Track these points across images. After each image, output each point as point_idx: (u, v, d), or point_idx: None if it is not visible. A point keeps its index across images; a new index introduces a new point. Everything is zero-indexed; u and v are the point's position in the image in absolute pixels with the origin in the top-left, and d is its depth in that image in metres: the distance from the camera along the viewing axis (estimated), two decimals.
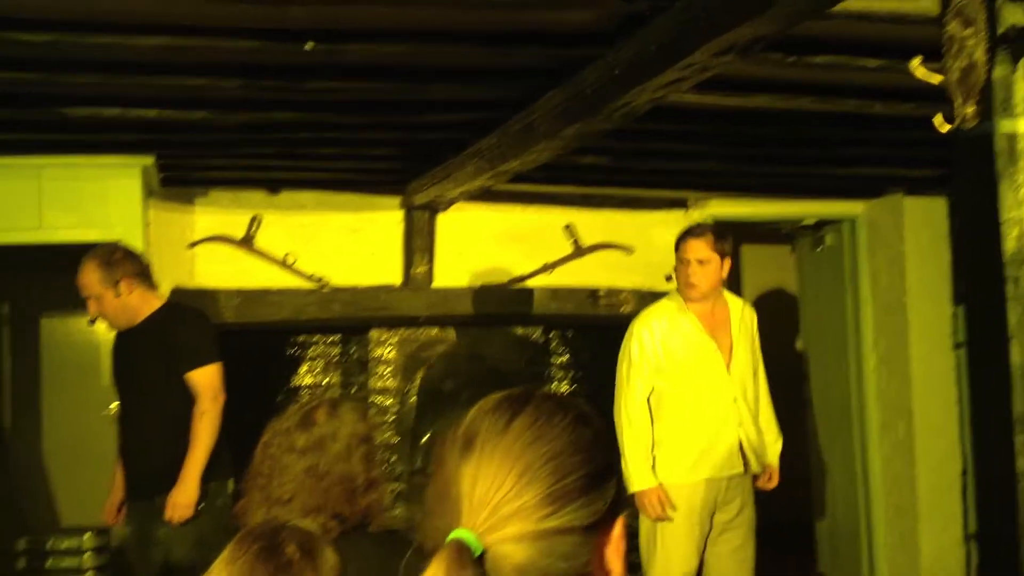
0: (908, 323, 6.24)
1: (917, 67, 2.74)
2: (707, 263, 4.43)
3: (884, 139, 4.82)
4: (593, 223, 6.40)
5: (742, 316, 4.64)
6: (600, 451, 1.27)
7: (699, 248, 4.42)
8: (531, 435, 1.23)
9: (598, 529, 1.22)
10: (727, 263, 4.51)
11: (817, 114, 4.14)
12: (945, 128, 2.77)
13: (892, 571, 6.50)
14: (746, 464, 4.52)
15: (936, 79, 2.67)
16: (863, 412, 6.63)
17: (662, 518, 4.37)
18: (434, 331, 6.27)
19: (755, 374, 4.68)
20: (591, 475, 1.23)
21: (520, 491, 1.19)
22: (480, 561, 1.17)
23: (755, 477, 4.68)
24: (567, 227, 6.37)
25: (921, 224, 6.26)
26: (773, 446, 4.70)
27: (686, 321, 4.53)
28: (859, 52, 3.19)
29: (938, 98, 3.44)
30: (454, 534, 1.18)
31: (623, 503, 1.28)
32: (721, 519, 4.51)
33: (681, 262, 4.46)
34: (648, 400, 4.53)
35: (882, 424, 6.54)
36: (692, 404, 4.51)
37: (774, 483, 4.69)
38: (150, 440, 4.37)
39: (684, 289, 4.48)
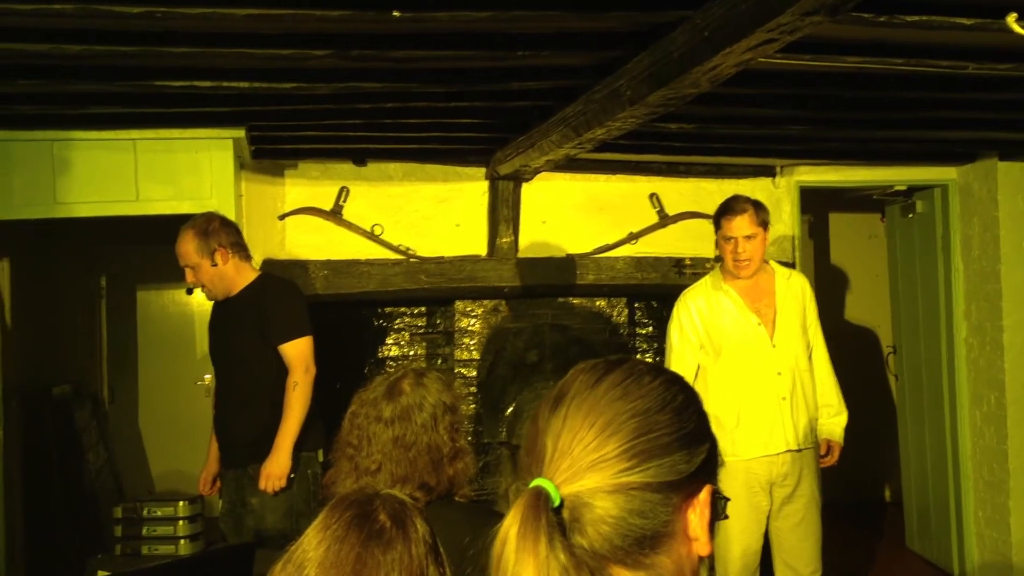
0: (1001, 291, 6.12)
1: (1013, 23, 2.68)
2: (754, 237, 4.44)
3: (977, 101, 4.70)
4: (678, 192, 6.39)
5: (788, 286, 4.59)
6: (692, 416, 1.28)
7: (744, 225, 4.43)
8: (618, 392, 1.25)
9: (681, 490, 1.23)
10: (768, 233, 4.55)
11: (908, 76, 4.05)
12: None
13: (982, 547, 6.40)
14: (798, 439, 4.49)
15: None
16: (953, 383, 6.51)
17: None
18: (518, 302, 6.31)
19: (810, 346, 4.63)
20: (678, 436, 1.24)
21: (600, 443, 1.21)
22: (559, 511, 1.19)
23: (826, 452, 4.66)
24: (652, 196, 6.36)
25: (1015, 189, 6.12)
26: (832, 421, 4.63)
27: (726, 297, 4.54)
28: (952, 10, 3.12)
29: None
30: (534, 482, 1.20)
31: (713, 476, 1.28)
32: (780, 494, 4.50)
33: (726, 241, 4.47)
34: (695, 379, 4.58)
35: (973, 396, 6.43)
36: (736, 380, 4.51)
37: (833, 459, 4.62)
38: (243, 410, 4.47)
39: (735, 267, 4.48)
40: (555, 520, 1.17)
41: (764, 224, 4.50)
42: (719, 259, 4.59)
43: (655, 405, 1.25)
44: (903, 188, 6.74)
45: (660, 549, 1.22)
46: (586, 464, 1.20)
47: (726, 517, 1.29)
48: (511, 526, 1.17)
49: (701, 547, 1.25)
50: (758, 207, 4.50)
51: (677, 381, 1.31)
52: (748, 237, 4.44)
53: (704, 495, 1.25)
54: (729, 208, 4.48)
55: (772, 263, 4.69)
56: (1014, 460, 6.10)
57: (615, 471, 1.19)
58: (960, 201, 6.50)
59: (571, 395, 1.27)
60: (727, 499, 1.30)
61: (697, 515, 1.25)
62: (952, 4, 3.11)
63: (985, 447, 6.32)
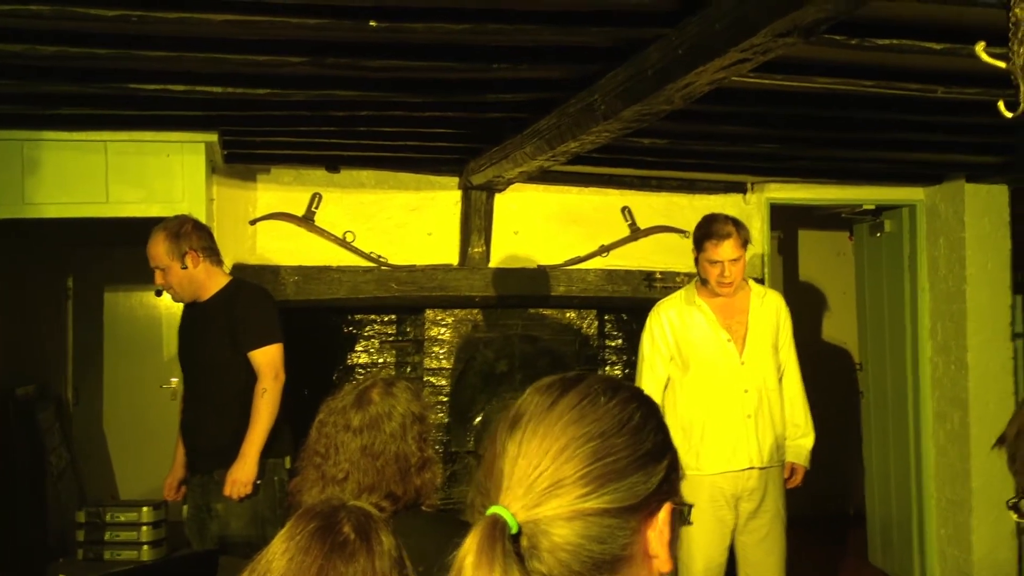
0: (966, 312, 6.18)
1: (981, 51, 2.71)
2: (738, 260, 4.45)
3: (946, 124, 4.76)
4: (650, 206, 6.42)
5: (762, 305, 4.61)
6: (650, 434, 1.27)
7: (730, 249, 4.43)
8: (575, 414, 1.24)
9: (639, 512, 1.22)
10: (746, 251, 4.55)
11: (878, 98, 4.10)
12: (1008, 114, 2.75)
13: (944, 563, 6.46)
14: (762, 457, 4.51)
15: (1001, 64, 2.65)
16: (918, 401, 6.58)
17: None
18: (489, 311, 6.31)
19: (782, 366, 4.65)
20: (636, 457, 1.23)
21: (557, 469, 1.20)
22: (516, 538, 1.18)
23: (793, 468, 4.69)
24: (624, 209, 6.39)
25: (982, 211, 6.20)
26: (796, 443, 4.65)
27: (698, 312, 4.55)
28: (923, 35, 3.16)
29: (1002, 83, 3.41)
30: (491, 510, 1.20)
31: (673, 492, 1.28)
32: (746, 509, 4.52)
33: (712, 264, 4.46)
34: (665, 390, 4.60)
35: (937, 414, 6.49)
36: (703, 395, 4.53)
37: (796, 481, 4.64)
38: (211, 416, 4.44)
39: (717, 288, 4.49)
40: (512, 548, 1.17)
41: (746, 244, 4.50)
42: (704, 282, 4.58)
43: (611, 428, 1.24)
44: (871, 207, 6.81)
45: (619, 572, 1.22)
46: (542, 491, 1.19)
47: (689, 523, 1.30)
48: (467, 554, 1.16)
49: (661, 564, 1.25)
50: (739, 227, 4.48)
51: (634, 397, 1.30)
52: (733, 261, 4.44)
53: (664, 514, 1.25)
54: (714, 232, 4.44)
55: (749, 281, 4.70)
56: (976, 479, 6.15)
57: (572, 497, 1.19)
58: (927, 221, 6.56)
59: (527, 418, 1.26)
60: (690, 505, 1.30)
61: (656, 533, 1.24)
62: (922, 29, 3.16)
63: (948, 465, 6.38)
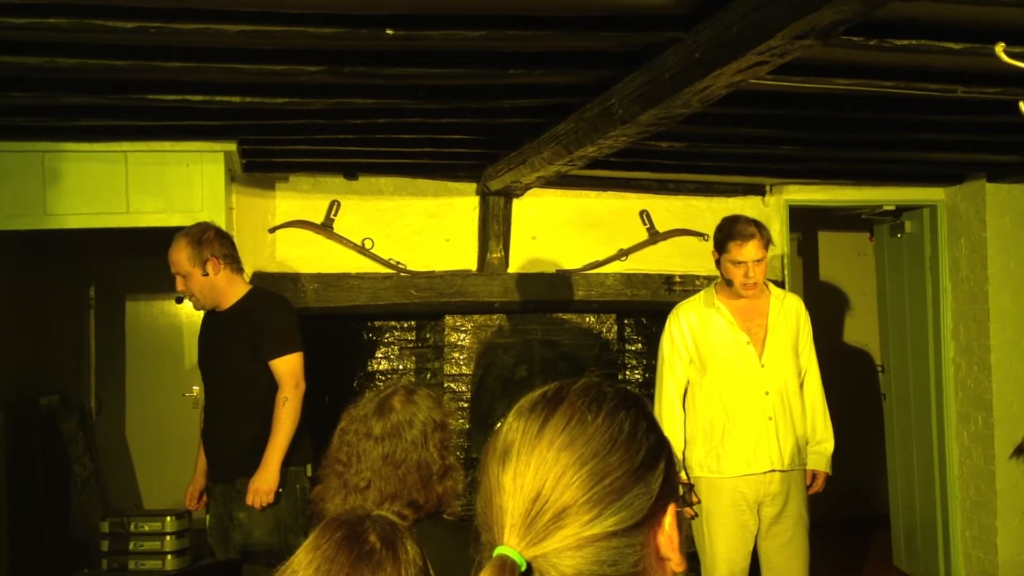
0: (988, 312, 6.15)
1: (1001, 52, 2.70)
2: (762, 261, 4.45)
3: (966, 124, 4.73)
4: (668, 209, 6.40)
5: (782, 308, 4.60)
6: (643, 439, 1.24)
7: (754, 249, 4.43)
8: (565, 438, 1.21)
9: (645, 525, 1.20)
10: (768, 253, 4.55)
11: (898, 98, 4.08)
12: None
13: (969, 566, 6.42)
14: (783, 460, 4.49)
15: (1020, 64, 2.64)
16: (941, 403, 6.54)
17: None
18: (508, 317, 6.31)
19: (802, 370, 4.63)
20: (632, 470, 1.21)
21: (557, 499, 1.17)
22: (527, 575, 1.16)
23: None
24: (642, 213, 6.38)
25: (1003, 210, 6.17)
26: (818, 449, 4.62)
27: (717, 314, 4.54)
28: (942, 35, 3.14)
29: (1022, 83, 3.39)
30: (498, 551, 1.18)
31: (672, 490, 1.25)
32: (768, 513, 4.49)
33: (736, 265, 4.46)
34: (685, 392, 4.59)
35: (960, 415, 6.45)
36: (722, 397, 4.51)
37: (818, 487, 4.62)
38: (232, 424, 4.46)
39: (742, 289, 4.48)
40: None
41: (768, 245, 4.51)
42: (729, 283, 4.56)
43: (603, 446, 1.21)
44: (892, 208, 6.78)
45: None
46: (546, 523, 1.17)
47: (697, 501, 1.28)
48: None
49: (675, 566, 1.23)
50: (761, 228, 4.49)
51: (620, 404, 1.26)
52: (757, 261, 4.44)
53: (669, 517, 1.23)
54: (738, 232, 4.45)
55: (769, 284, 4.69)
56: (1001, 480, 6.11)
57: (578, 526, 1.16)
58: (948, 221, 6.53)
59: (516, 448, 1.22)
60: (689, 485, 1.29)
61: (666, 539, 1.23)
62: (941, 29, 3.14)
63: (972, 467, 6.34)
